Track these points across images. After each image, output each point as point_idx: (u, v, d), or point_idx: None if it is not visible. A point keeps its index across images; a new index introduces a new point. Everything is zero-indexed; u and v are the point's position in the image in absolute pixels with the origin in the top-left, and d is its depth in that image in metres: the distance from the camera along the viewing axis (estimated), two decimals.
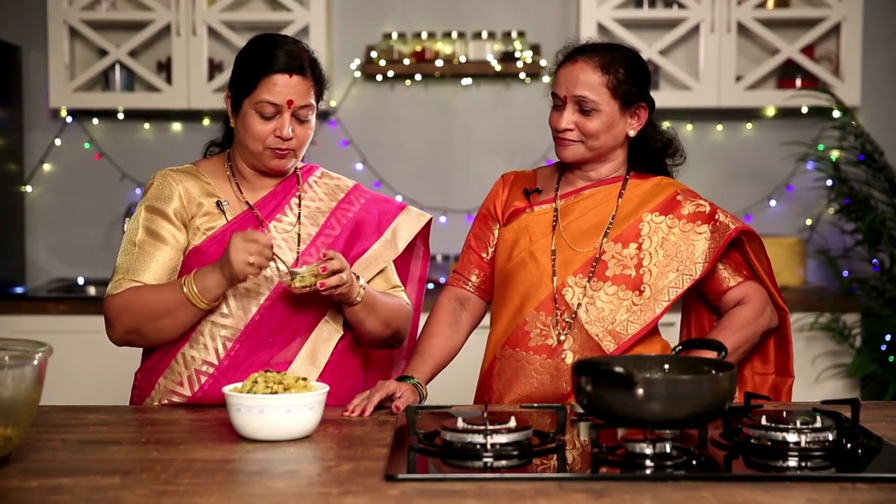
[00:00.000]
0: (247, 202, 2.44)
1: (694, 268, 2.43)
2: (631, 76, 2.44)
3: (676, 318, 2.71)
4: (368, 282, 2.45)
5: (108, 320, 2.37)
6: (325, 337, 2.42)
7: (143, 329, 2.33)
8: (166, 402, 2.38)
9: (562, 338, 2.43)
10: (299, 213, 2.46)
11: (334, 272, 2.26)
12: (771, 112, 4.76)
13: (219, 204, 2.42)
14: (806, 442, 1.88)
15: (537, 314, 2.45)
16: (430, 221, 2.60)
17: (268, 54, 2.35)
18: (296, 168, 2.52)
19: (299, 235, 2.44)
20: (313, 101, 2.38)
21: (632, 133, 2.48)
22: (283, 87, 2.33)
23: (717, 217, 2.46)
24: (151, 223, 2.39)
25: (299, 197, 2.49)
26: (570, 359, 2.41)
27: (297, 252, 2.42)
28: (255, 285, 2.37)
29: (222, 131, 2.54)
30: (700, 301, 2.59)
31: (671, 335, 2.60)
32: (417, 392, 2.35)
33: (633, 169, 2.54)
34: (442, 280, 4.68)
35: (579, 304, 2.43)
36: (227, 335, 2.36)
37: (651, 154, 2.52)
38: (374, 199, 2.57)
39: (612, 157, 2.50)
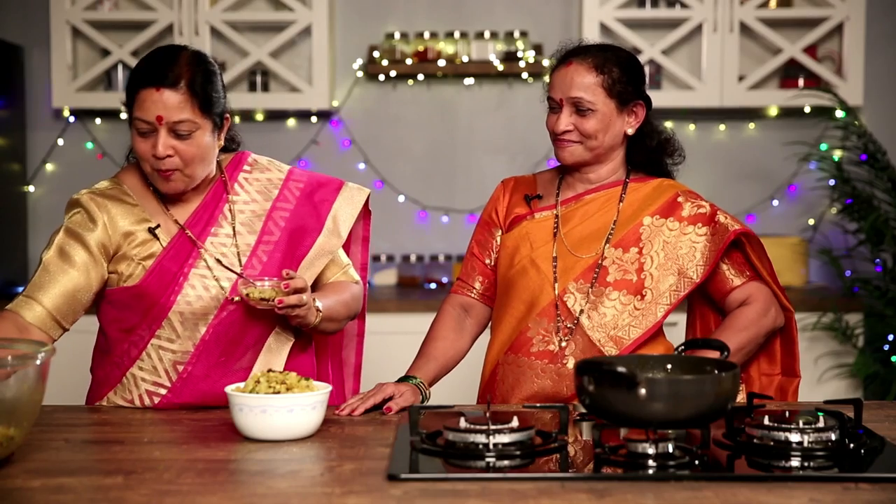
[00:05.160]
0: (176, 221, 2.34)
1: (695, 270, 2.43)
2: (626, 75, 2.44)
3: (681, 317, 2.70)
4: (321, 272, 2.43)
5: None
6: (277, 348, 2.38)
7: None
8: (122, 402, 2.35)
9: (563, 343, 2.43)
10: (234, 223, 2.37)
11: (296, 290, 2.22)
12: (773, 112, 4.76)
13: (151, 230, 2.31)
14: (809, 442, 1.88)
15: (539, 321, 2.45)
16: (368, 197, 2.53)
17: (139, 69, 2.24)
18: (221, 169, 2.41)
19: (238, 247, 2.36)
20: (191, 117, 2.21)
21: (630, 131, 2.48)
22: (151, 102, 2.19)
23: (717, 218, 2.46)
24: (66, 245, 2.28)
25: (230, 204, 2.39)
26: (571, 364, 2.41)
27: (241, 265, 2.34)
28: (201, 307, 2.31)
29: None
30: (705, 302, 2.58)
31: (676, 335, 2.60)
32: (419, 392, 2.35)
33: (633, 170, 2.54)
34: (444, 280, 4.68)
35: (581, 311, 2.43)
36: (177, 359, 2.31)
37: (648, 153, 2.52)
38: (311, 183, 2.47)
39: (611, 157, 2.50)
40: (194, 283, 2.32)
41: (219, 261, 2.34)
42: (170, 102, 2.20)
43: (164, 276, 2.30)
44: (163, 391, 2.32)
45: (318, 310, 2.31)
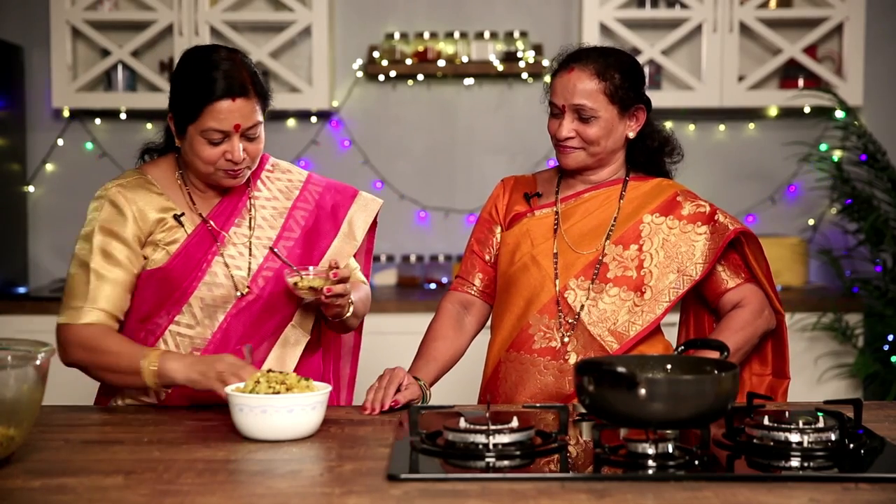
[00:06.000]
0: (200, 214, 2.39)
1: (694, 269, 2.44)
2: (627, 80, 2.44)
3: (676, 318, 2.70)
4: None
5: (62, 345, 2.30)
6: (293, 342, 2.43)
7: (91, 371, 2.31)
8: (131, 401, 2.38)
9: (565, 339, 2.43)
10: (255, 216, 2.43)
11: (342, 280, 2.28)
12: (773, 112, 4.76)
13: (176, 217, 2.36)
14: (808, 442, 1.88)
15: (540, 317, 2.45)
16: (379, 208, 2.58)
17: (208, 80, 2.25)
18: None
19: (255, 241, 2.41)
20: (260, 118, 2.31)
21: (631, 135, 2.48)
22: (227, 112, 2.25)
23: (716, 217, 2.46)
24: (107, 245, 2.32)
25: (252, 199, 2.45)
26: (573, 360, 2.41)
27: (262, 257, 2.40)
28: (221, 295, 2.36)
29: (163, 136, 2.46)
30: (699, 302, 2.59)
31: (672, 335, 2.60)
32: (420, 391, 2.35)
33: (632, 170, 2.54)
34: (444, 280, 4.68)
35: (582, 307, 2.43)
36: (195, 345, 2.35)
37: (648, 153, 2.53)
38: (328, 189, 2.54)
39: (612, 160, 2.51)
40: (216, 270, 2.37)
41: (251, 249, 2.39)
42: (245, 111, 2.27)
43: (189, 261, 2.35)
44: None
45: (351, 302, 2.39)
